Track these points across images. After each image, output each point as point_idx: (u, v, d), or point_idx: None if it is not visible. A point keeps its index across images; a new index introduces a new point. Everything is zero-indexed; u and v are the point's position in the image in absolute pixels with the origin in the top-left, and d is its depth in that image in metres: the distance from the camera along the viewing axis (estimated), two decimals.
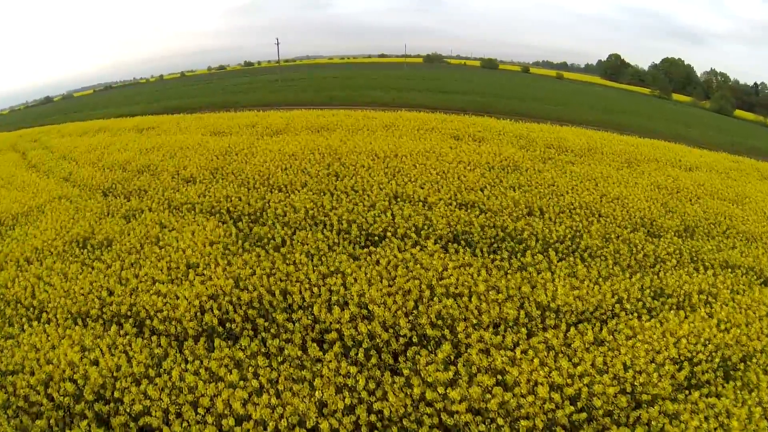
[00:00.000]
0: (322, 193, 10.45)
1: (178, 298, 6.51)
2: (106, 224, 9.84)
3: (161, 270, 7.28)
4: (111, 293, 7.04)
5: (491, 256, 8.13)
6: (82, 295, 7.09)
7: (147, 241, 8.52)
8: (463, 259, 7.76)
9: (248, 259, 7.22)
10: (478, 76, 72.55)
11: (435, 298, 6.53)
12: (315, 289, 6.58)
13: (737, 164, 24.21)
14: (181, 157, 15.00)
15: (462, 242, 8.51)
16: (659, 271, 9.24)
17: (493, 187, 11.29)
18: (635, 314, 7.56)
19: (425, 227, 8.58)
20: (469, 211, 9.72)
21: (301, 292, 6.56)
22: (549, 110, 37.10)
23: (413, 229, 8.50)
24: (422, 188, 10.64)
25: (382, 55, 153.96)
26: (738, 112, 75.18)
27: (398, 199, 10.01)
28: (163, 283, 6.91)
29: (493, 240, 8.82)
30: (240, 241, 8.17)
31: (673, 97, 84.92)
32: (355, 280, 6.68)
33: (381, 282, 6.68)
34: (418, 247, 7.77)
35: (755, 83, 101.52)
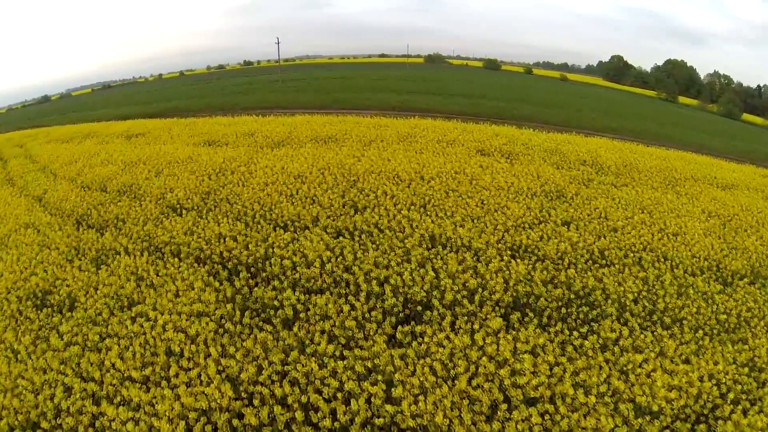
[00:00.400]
0: (339, 234, 8.53)
1: (155, 413, 4.61)
2: (71, 271, 7.89)
3: (133, 357, 5.38)
4: (69, 391, 5.15)
5: (565, 331, 6.29)
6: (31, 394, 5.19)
7: (117, 305, 6.59)
8: (534, 336, 5.91)
9: (251, 346, 5.31)
10: (482, 77, 70.75)
11: (514, 413, 4.69)
12: (353, 404, 4.66)
13: None
14: (168, 174, 12.98)
15: (525, 309, 6.66)
16: (746, 336, 7.52)
17: (543, 224, 9.41)
18: (739, 405, 5.82)
19: (478, 289, 6.71)
20: (525, 260, 7.86)
21: (330, 404, 4.68)
22: (563, 115, 35.40)
23: (464, 291, 6.63)
24: (462, 226, 8.77)
25: (383, 55, 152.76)
26: (745, 116, 73.86)
27: (436, 243, 8.13)
28: (136, 384, 5.01)
29: (560, 303, 6.97)
30: (238, 311, 6.27)
31: (680, 100, 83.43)
32: (403, 385, 4.81)
33: (439, 388, 4.80)
34: (476, 323, 5.91)
35: (758, 86, 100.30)
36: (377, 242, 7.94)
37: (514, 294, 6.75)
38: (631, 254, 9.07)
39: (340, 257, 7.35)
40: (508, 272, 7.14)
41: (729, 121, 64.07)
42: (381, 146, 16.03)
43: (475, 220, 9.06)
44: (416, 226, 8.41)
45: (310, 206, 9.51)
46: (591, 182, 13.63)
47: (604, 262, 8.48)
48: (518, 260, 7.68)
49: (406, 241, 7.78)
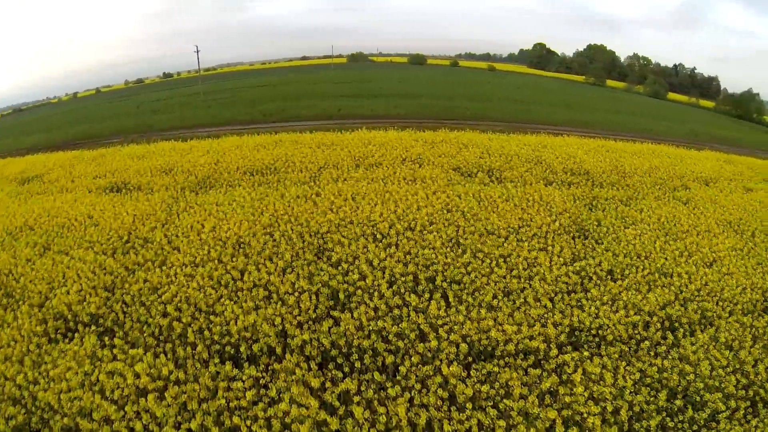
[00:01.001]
0: (324, 363, 5.55)
1: None
2: None
3: None
4: None
5: None
6: None
7: None
8: None
9: None
10: (412, 74, 68.89)
11: None
12: None
13: (747, 170, 22.52)
14: (57, 251, 9.23)
15: None
16: None
17: (587, 287, 7.18)
18: None
19: None
20: (604, 356, 5.54)
21: None
22: (511, 109, 34.22)
23: None
24: (491, 309, 6.26)
25: (304, 58, 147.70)
26: (671, 95, 79.00)
27: (480, 354, 5.56)
28: None
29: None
30: None
31: (608, 83, 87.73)
32: None
33: None
34: None
35: (675, 65, 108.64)
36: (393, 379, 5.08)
37: None
38: (699, 312, 7.18)
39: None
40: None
41: (663, 102, 67.82)
42: (336, 175, 13.17)
43: (500, 294, 6.60)
44: (441, 326, 5.76)
45: (267, 306, 6.40)
46: (597, 202, 11.82)
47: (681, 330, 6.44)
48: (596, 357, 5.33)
49: (423, 367, 5.08)
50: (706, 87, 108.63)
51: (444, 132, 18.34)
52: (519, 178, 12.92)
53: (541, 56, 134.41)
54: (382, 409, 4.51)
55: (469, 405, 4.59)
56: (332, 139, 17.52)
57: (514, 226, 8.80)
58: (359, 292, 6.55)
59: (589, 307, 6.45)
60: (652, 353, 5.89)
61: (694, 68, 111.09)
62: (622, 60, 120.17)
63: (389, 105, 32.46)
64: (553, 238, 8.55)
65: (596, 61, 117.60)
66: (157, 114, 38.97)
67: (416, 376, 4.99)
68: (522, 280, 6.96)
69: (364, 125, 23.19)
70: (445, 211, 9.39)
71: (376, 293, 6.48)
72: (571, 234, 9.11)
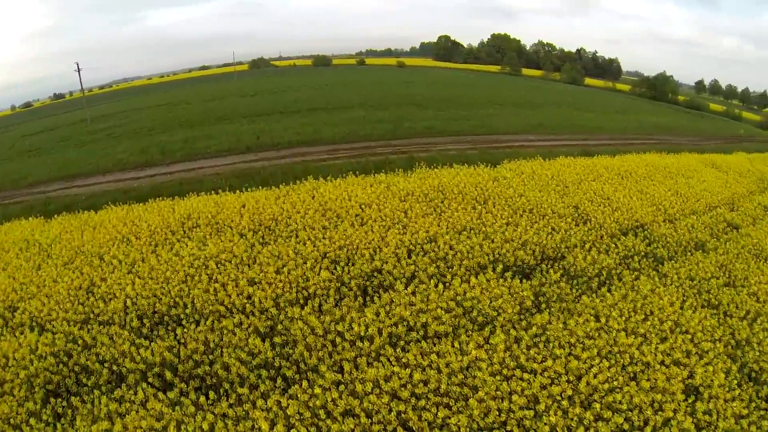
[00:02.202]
0: None
1: None
2: None
3: None
4: None
5: None
6: None
7: None
8: None
9: None
10: (328, 78, 62.96)
11: None
12: None
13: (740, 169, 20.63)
14: None
15: None
16: None
17: None
18: None
19: None
20: None
21: None
22: (458, 116, 30.13)
23: None
24: None
25: (204, 67, 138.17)
26: (588, 81, 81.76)
27: None
28: None
29: None
30: None
31: (523, 72, 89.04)
32: None
33: None
34: None
35: (578, 50, 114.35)
36: None
37: None
38: None
39: None
40: None
41: (583, 89, 69.17)
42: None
43: None
44: None
45: None
46: (630, 262, 8.20)
47: None
48: None
49: None
50: (608, 69, 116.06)
51: (448, 172, 13.29)
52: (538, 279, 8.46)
53: (446, 48, 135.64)
54: None
55: None
56: (259, 199, 11.79)
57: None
58: None
59: None
60: None
61: (596, 52, 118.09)
62: (528, 48, 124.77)
63: (318, 122, 26.49)
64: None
65: (503, 50, 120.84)
66: (33, 156, 29.11)
67: None
68: None
69: (297, 161, 17.79)
70: None
71: None
72: None
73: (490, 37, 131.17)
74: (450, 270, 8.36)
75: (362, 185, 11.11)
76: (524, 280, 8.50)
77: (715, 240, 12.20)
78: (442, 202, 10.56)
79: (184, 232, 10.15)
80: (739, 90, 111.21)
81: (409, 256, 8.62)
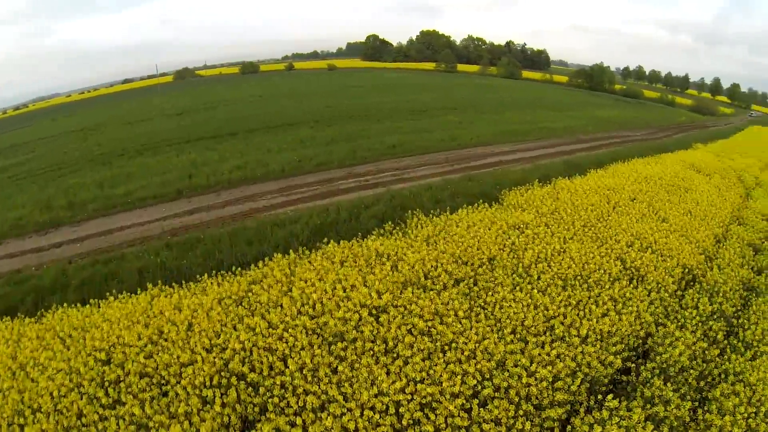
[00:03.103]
0: None
1: None
2: None
3: None
4: None
5: None
6: None
7: None
8: None
9: None
10: (262, 87, 58.57)
11: None
12: None
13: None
14: None
15: None
16: None
17: None
18: None
19: None
20: None
21: None
22: (418, 128, 27.96)
23: None
24: None
25: (126, 81, 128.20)
26: (525, 73, 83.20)
27: None
28: None
29: None
30: None
31: (459, 68, 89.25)
32: None
33: None
34: None
35: (507, 42, 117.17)
36: None
37: None
38: None
39: None
40: None
41: (523, 82, 69.90)
42: None
43: None
44: None
45: None
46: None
47: None
48: None
49: None
50: (537, 60, 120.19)
51: (452, 221, 10.52)
52: None
53: (374, 48, 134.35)
54: None
55: None
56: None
57: None
58: None
59: None
60: None
61: (525, 44, 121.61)
62: (458, 43, 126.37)
63: (261, 148, 22.77)
64: None
65: (433, 47, 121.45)
66: None
67: None
68: None
69: (246, 211, 14.47)
70: None
71: None
72: None
73: (419, 34, 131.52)
74: None
75: (356, 266, 8.14)
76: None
77: None
78: (470, 288, 7.90)
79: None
80: (663, 74, 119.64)
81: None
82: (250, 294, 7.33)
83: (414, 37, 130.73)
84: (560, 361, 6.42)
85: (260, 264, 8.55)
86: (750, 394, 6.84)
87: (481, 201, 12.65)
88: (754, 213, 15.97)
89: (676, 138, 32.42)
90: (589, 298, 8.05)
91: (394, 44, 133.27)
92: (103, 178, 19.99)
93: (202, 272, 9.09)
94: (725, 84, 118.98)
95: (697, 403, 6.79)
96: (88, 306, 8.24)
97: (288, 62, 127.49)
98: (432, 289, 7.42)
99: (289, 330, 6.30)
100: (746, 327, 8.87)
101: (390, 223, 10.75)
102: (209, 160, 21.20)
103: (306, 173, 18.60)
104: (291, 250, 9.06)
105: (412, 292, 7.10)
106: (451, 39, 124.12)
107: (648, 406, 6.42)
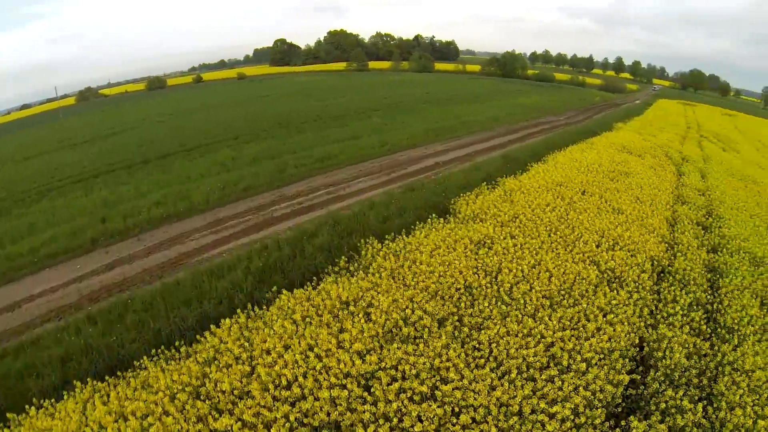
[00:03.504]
0: None
1: None
2: None
3: None
4: None
5: None
6: None
7: None
8: None
9: None
10: (162, 104, 54.80)
11: None
12: None
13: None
14: None
15: None
16: None
17: None
18: None
19: None
20: None
21: None
22: (356, 144, 26.60)
23: None
24: None
25: (25, 106, 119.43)
26: (437, 66, 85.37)
27: None
28: None
29: None
30: None
31: (371, 66, 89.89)
32: None
33: None
34: None
35: (416, 36, 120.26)
36: None
37: None
38: None
39: None
40: None
41: (440, 75, 71.40)
42: None
43: None
44: None
45: None
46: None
47: None
48: None
49: None
50: (447, 52, 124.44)
51: (411, 258, 9.63)
52: None
53: (283, 52, 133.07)
54: None
55: None
56: None
57: None
58: None
59: None
60: None
61: (433, 36, 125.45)
62: (366, 40, 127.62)
63: (180, 176, 20.35)
64: None
65: (343, 46, 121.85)
66: None
67: None
68: None
69: (174, 258, 12.73)
70: None
71: None
72: None
73: (327, 34, 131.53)
74: None
75: (322, 322, 7.07)
76: None
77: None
78: (457, 327, 7.24)
79: None
80: (569, 57, 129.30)
81: None
82: (206, 381, 6.10)
83: (322, 38, 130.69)
84: (575, 393, 5.96)
85: (207, 334, 7.30)
86: (748, 381, 7.06)
87: (433, 215, 12.15)
88: (691, 189, 17.06)
89: (596, 119, 34.52)
90: (579, 312, 7.74)
91: (303, 47, 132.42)
92: (1, 232, 17.00)
93: (139, 353, 7.64)
94: (627, 62, 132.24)
95: (705, 402, 6.81)
96: None
97: (196, 74, 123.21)
98: (418, 338, 6.66)
99: (271, 429, 5.23)
100: (722, 312, 9.14)
101: (343, 258, 9.83)
102: (124, 197, 18.90)
103: (233, 201, 17.15)
104: (239, 310, 7.87)
105: (398, 347, 6.28)
106: (360, 37, 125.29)
107: (668, 419, 6.26)
